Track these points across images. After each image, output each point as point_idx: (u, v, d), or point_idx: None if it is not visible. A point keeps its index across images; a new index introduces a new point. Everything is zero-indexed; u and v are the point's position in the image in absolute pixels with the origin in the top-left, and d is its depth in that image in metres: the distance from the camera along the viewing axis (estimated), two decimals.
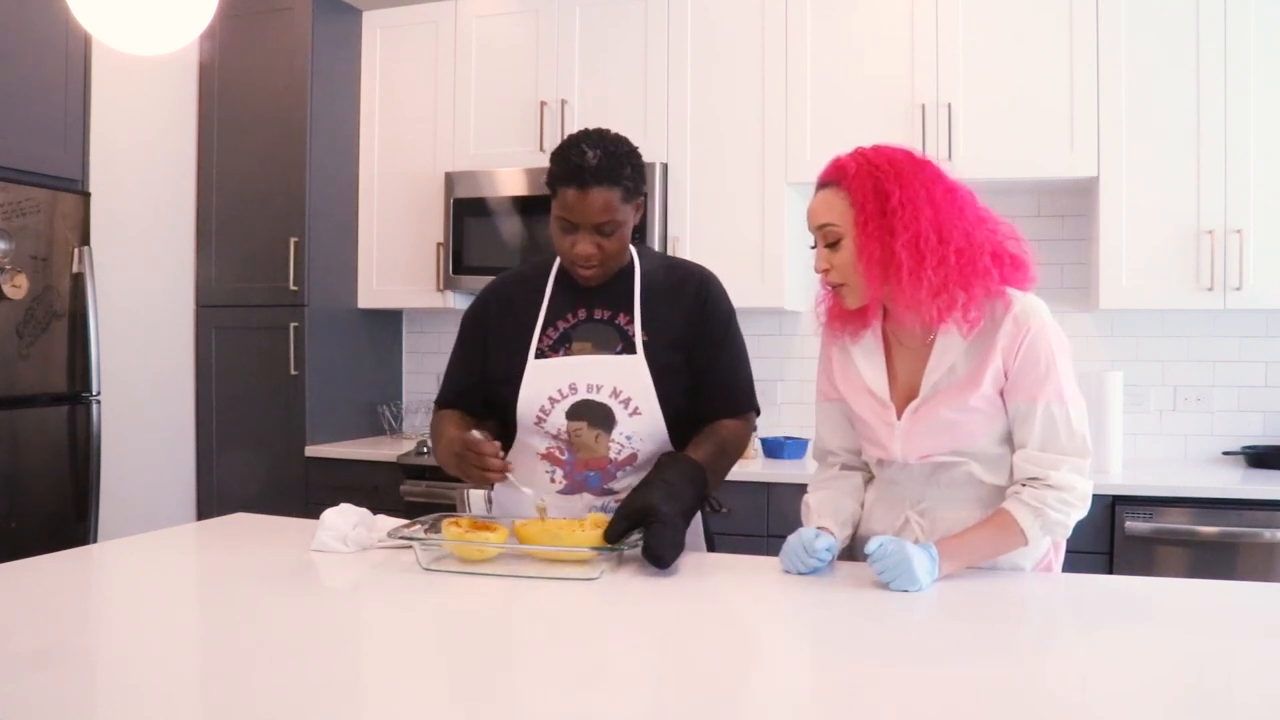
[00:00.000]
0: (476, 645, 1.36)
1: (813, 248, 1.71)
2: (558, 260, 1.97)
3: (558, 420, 1.89)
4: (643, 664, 1.29)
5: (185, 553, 1.96)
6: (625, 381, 1.86)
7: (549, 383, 1.89)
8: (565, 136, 1.93)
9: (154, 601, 1.56)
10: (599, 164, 1.79)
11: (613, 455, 1.89)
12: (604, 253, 1.85)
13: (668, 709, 1.12)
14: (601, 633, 1.44)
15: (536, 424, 1.92)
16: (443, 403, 2.06)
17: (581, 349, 1.90)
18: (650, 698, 1.16)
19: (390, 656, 1.32)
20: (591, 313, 1.92)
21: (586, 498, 1.90)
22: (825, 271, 1.68)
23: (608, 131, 1.89)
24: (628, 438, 1.88)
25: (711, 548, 2.00)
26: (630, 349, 1.88)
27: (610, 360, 1.87)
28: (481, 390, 2.00)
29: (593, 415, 1.88)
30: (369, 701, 1.13)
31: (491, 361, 1.97)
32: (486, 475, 1.78)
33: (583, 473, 1.91)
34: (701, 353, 1.92)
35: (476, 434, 1.79)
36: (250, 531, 2.05)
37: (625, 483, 1.88)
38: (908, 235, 1.58)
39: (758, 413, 2.02)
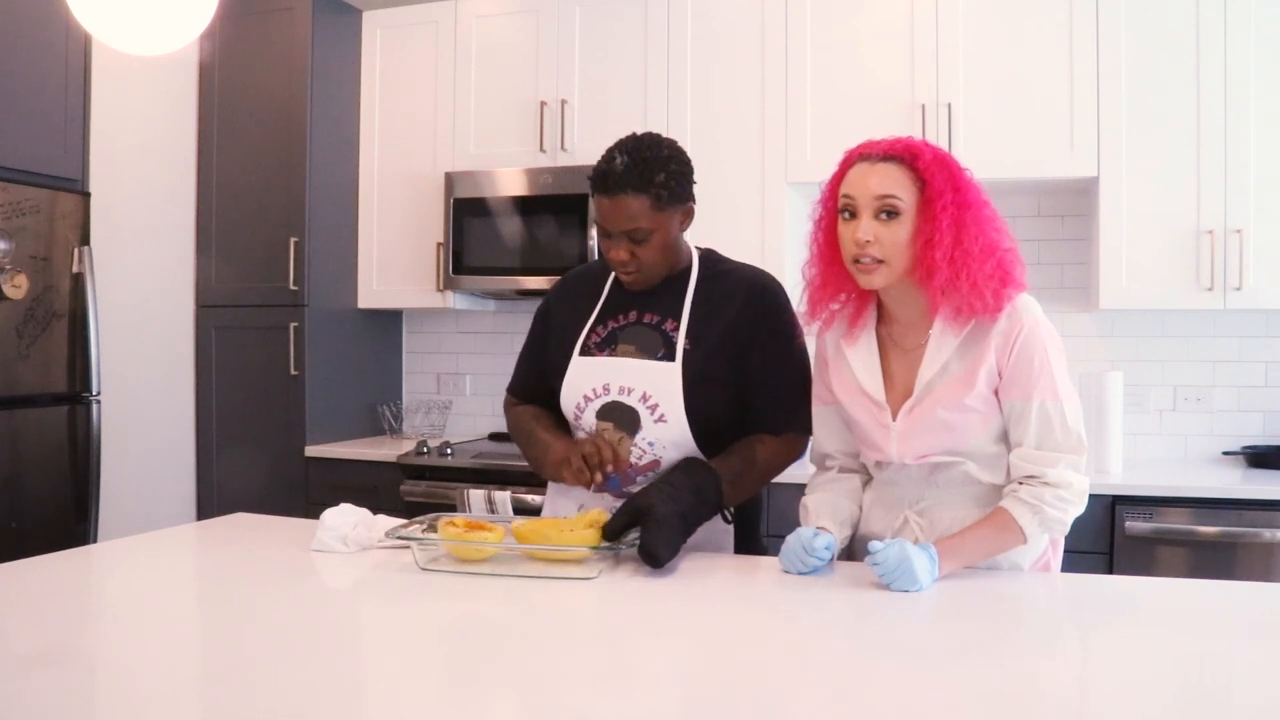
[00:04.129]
0: (475, 645, 1.36)
1: (846, 217, 1.65)
2: None
3: (589, 419, 1.90)
4: (640, 663, 1.29)
5: (185, 553, 1.96)
6: (655, 387, 1.84)
7: (586, 381, 1.89)
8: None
9: (154, 601, 1.56)
10: (625, 170, 1.77)
11: (634, 460, 1.88)
12: (639, 260, 1.83)
13: (665, 708, 1.12)
14: (599, 632, 1.44)
15: (575, 420, 1.93)
16: (515, 391, 2.10)
17: (625, 351, 1.89)
18: (647, 697, 1.16)
19: (390, 656, 1.32)
20: (642, 316, 1.92)
21: (608, 499, 1.88)
22: (866, 244, 1.62)
23: (650, 136, 1.84)
24: (650, 444, 1.86)
25: (760, 549, 1.98)
26: (671, 356, 1.86)
27: (645, 364, 1.86)
28: (540, 381, 2.02)
29: (619, 417, 1.87)
30: (369, 701, 1.13)
31: (548, 353, 1.99)
32: (590, 475, 1.79)
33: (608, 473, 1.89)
34: (747, 363, 1.87)
35: (607, 438, 1.84)
36: (250, 531, 2.05)
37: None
38: (974, 229, 1.60)
39: (808, 432, 1.89)
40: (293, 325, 3.62)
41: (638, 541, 1.65)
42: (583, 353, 1.91)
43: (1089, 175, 3.10)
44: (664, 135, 1.87)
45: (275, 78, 3.66)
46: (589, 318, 1.94)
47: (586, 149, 3.50)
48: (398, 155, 3.81)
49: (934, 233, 1.60)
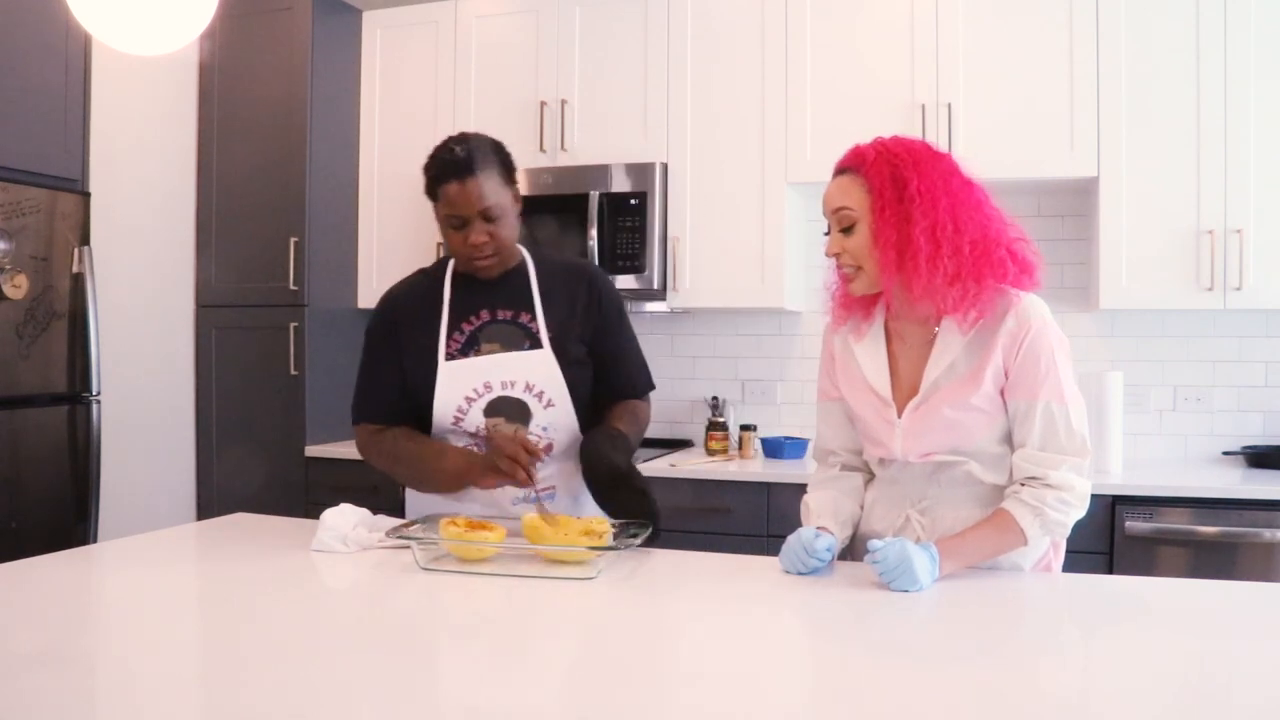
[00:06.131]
0: (475, 645, 1.36)
1: (826, 234, 1.73)
2: (450, 265, 2.02)
3: (475, 418, 1.94)
4: (641, 663, 1.29)
5: (185, 552, 1.96)
6: (537, 376, 1.94)
7: (463, 384, 1.94)
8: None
9: (154, 601, 1.56)
10: (469, 154, 1.89)
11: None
12: (496, 240, 1.92)
13: (666, 708, 1.12)
14: (599, 632, 1.44)
15: (454, 424, 1.96)
16: (371, 417, 2.09)
17: (490, 349, 1.95)
18: (648, 696, 1.16)
19: (390, 656, 1.32)
20: (494, 314, 1.98)
21: (509, 490, 1.94)
22: (837, 256, 1.70)
23: (468, 132, 2.01)
24: (544, 429, 1.96)
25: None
26: (537, 345, 1.95)
27: (520, 356, 1.94)
28: (403, 399, 2.02)
29: (509, 410, 1.94)
30: (369, 701, 1.13)
31: (405, 369, 2.00)
32: (516, 477, 1.83)
33: None
34: (601, 342, 2.04)
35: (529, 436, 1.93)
36: (250, 531, 2.05)
37: (544, 472, 1.95)
38: (925, 223, 1.60)
39: (653, 388, 2.17)
40: (293, 325, 3.62)
41: (637, 542, 1.66)
42: (448, 359, 1.95)
43: (1089, 175, 3.10)
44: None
45: (275, 78, 3.66)
46: (439, 326, 1.97)
47: (586, 149, 3.50)
48: (398, 155, 3.81)
49: (878, 235, 1.64)
